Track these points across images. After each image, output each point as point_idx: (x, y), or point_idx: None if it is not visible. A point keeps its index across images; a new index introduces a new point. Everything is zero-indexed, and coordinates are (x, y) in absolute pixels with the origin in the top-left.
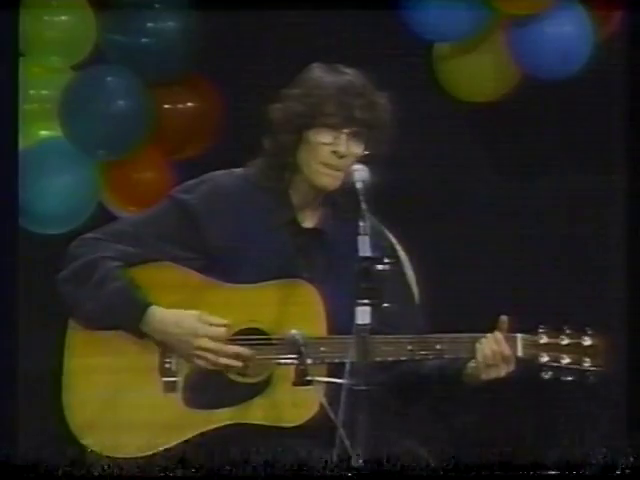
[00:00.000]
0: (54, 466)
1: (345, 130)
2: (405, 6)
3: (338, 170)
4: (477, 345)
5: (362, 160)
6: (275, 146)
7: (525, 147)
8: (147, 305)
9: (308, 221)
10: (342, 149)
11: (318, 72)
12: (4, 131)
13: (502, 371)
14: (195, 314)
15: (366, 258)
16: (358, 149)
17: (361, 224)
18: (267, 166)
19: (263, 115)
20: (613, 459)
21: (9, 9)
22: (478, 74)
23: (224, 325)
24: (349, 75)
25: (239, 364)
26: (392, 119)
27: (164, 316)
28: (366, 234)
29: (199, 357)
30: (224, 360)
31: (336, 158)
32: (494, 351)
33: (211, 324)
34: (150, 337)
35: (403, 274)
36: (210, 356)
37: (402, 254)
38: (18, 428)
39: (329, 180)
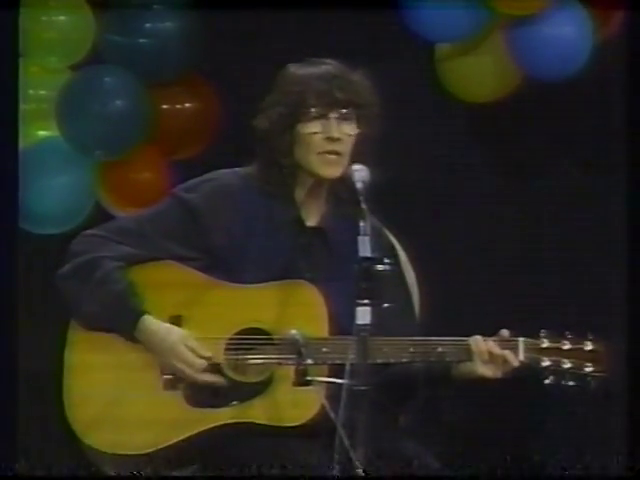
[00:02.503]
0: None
1: (332, 115)
2: (405, 6)
3: (337, 155)
4: (471, 342)
5: (358, 140)
6: (269, 152)
7: (525, 147)
8: (141, 313)
9: (312, 219)
10: (334, 133)
11: (292, 69)
12: (4, 131)
13: (499, 371)
14: (182, 336)
15: (366, 258)
16: (350, 129)
17: (361, 224)
18: (265, 172)
19: (251, 128)
20: (612, 464)
21: (8, 9)
22: (478, 74)
23: (205, 358)
24: (322, 63)
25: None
26: (376, 96)
27: (153, 328)
28: (366, 234)
29: (177, 374)
30: (199, 382)
31: (331, 143)
32: (485, 350)
33: (193, 352)
34: (141, 344)
35: (402, 275)
36: (186, 377)
37: (402, 255)
38: (18, 428)
39: (330, 168)
